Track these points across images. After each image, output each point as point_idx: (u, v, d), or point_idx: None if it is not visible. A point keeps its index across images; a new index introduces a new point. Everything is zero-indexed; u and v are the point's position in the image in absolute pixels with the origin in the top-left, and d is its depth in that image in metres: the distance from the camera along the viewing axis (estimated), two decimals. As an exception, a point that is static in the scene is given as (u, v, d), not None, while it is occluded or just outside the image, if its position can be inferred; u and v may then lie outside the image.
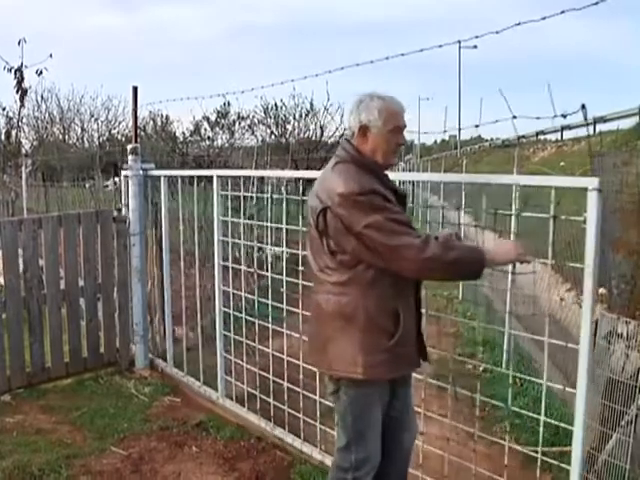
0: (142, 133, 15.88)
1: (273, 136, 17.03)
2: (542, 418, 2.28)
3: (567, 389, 2.22)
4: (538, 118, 2.55)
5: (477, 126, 3.15)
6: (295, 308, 3.08)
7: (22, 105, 7.42)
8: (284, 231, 3.21)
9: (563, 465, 2.19)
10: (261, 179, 6.07)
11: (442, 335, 2.28)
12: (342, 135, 16.65)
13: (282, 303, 3.17)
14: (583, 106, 2.37)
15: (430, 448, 2.65)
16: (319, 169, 2.65)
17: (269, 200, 3.32)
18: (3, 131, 9.67)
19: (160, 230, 4.34)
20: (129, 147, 4.43)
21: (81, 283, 4.26)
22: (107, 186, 10.85)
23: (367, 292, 2.04)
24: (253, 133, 17.34)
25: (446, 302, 5.17)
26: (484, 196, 2.40)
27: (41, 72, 6.65)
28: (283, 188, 4.46)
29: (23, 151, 11.15)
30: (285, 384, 3.18)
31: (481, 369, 3.80)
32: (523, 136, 4.45)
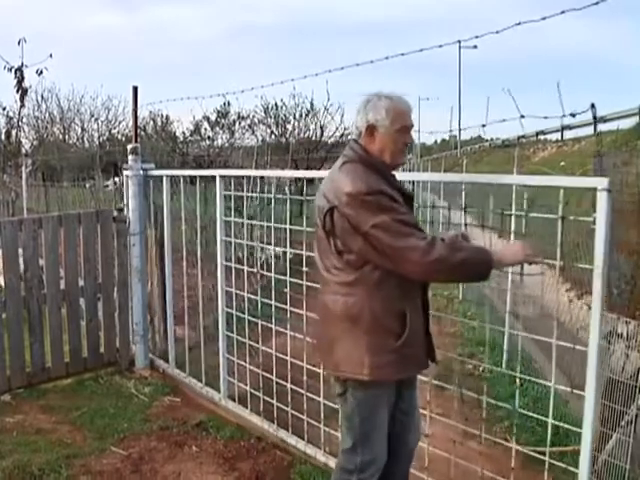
0: (142, 133, 15.86)
1: (273, 136, 17.02)
2: (550, 420, 2.26)
3: (575, 391, 2.18)
4: (546, 117, 2.54)
5: (484, 125, 3.14)
6: (296, 309, 3.06)
7: (22, 105, 7.42)
8: (288, 231, 3.21)
9: (571, 468, 2.16)
10: (262, 179, 6.06)
11: (443, 335, 2.27)
12: (342, 135, 16.65)
13: (284, 303, 3.15)
14: (593, 105, 2.37)
15: (435, 450, 2.64)
16: (319, 169, 2.66)
17: (271, 200, 3.31)
18: (3, 131, 9.66)
19: (161, 230, 4.34)
20: (129, 147, 4.43)
21: (81, 283, 4.26)
22: (107, 186, 10.87)
23: (373, 293, 2.04)
24: (253, 133, 17.33)
25: (446, 302, 5.18)
26: (491, 197, 2.38)
27: (41, 72, 6.66)
28: (287, 188, 4.45)
29: (23, 151, 11.15)
30: (289, 385, 3.17)
31: (481, 369, 3.80)
32: (523, 136, 4.44)
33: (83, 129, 23.67)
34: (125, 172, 4.42)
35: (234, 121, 17.13)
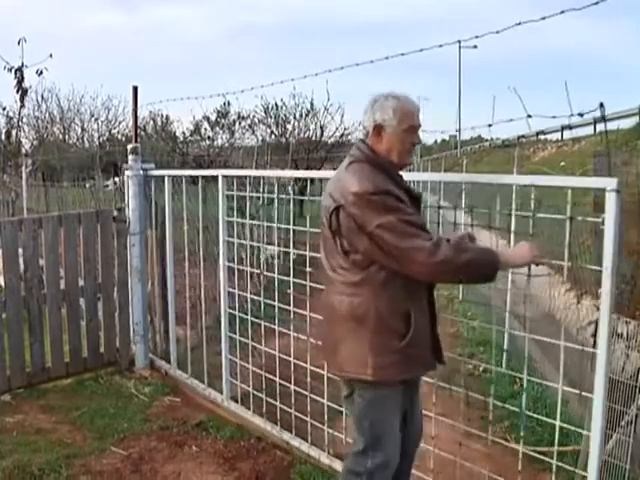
0: (142, 133, 15.88)
1: (273, 136, 17.04)
2: (557, 423, 2.24)
3: (583, 393, 2.15)
4: (554, 117, 2.53)
5: (490, 125, 3.14)
6: (300, 309, 3.05)
7: (22, 105, 7.42)
8: (291, 231, 3.20)
9: (579, 471, 2.14)
10: (263, 179, 6.06)
11: (444, 335, 2.27)
12: (342, 135, 16.67)
13: (287, 304, 3.14)
14: (601, 104, 2.36)
15: (438, 451, 2.63)
16: (319, 169, 2.65)
17: (273, 200, 3.30)
18: (3, 131, 9.67)
19: (162, 230, 4.34)
20: (129, 147, 4.43)
21: (81, 283, 4.26)
22: (107, 186, 10.87)
23: (379, 293, 2.03)
24: (253, 133, 17.36)
25: (446, 302, 5.18)
26: (498, 197, 2.37)
27: (41, 72, 6.66)
28: (290, 188, 4.43)
29: (23, 151, 11.15)
30: (292, 387, 3.16)
31: (481, 369, 3.80)
32: (523, 136, 4.44)
33: (83, 129, 23.69)
34: (125, 172, 4.42)
35: (234, 121, 17.17)
